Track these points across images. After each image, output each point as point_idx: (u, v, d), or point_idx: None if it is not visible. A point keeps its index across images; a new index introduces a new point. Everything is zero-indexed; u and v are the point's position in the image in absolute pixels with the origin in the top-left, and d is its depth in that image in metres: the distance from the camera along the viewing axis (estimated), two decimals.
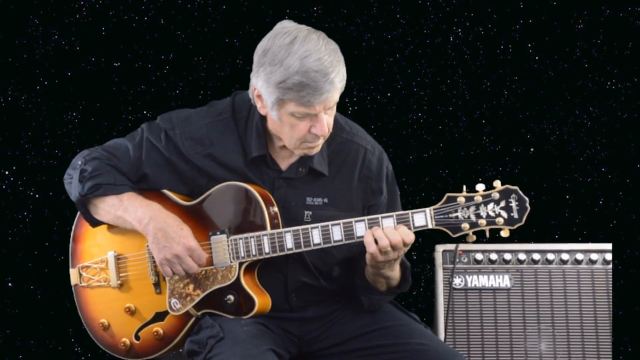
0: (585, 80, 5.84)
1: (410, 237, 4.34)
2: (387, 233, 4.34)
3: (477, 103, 5.91)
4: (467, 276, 5.47)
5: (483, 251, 5.45)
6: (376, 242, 4.37)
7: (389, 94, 5.98)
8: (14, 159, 6.01)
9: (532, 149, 5.90)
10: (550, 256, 5.43)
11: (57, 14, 5.86)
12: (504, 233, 4.28)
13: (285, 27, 4.43)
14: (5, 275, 6.03)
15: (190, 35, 5.92)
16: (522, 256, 5.45)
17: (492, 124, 5.91)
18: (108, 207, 4.63)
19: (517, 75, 5.87)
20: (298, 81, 4.32)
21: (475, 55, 5.89)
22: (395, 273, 4.56)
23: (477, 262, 5.45)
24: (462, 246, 5.39)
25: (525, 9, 5.83)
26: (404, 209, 4.55)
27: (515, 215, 4.29)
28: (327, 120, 4.41)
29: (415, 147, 6.01)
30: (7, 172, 6.02)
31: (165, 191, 4.68)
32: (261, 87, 4.42)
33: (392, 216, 4.40)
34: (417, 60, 5.93)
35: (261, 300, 4.56)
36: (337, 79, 4.34)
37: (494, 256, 5.45)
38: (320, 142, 4.47)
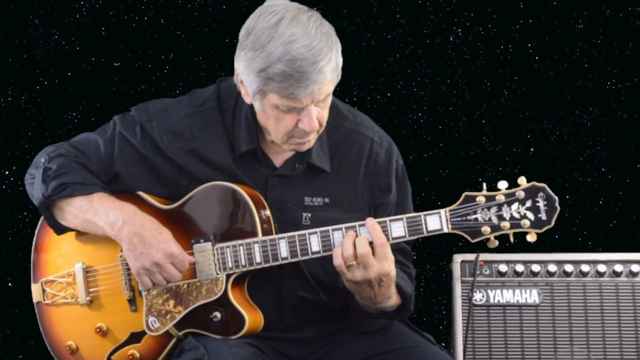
0: (585, 80, 5.03)
1: (365, 248, 3.24)
2: (356, 242, 3.23)
3: (477, 103, 5.09)
4: (489, 290, 4.18)
5: (507, 262, 4.17)
6: None
7: (389, 94, 5.12)
8: (14, 159, 5.16)
9: (532, 149, 5.07)
10: (585, 267, 4.13)
11: (57, 14, 5.05)
12: (531, 237, 3.23)
13: (273, 6, 3.26)
14: (5, 275, 5.16)
15: (190, 35, 5.08)
16: (552, 267, 4.14)
17: (492, 124, 5.08)
18: (76, 211, 3.42)
19: (517, 75, 5.07)
20: (280, 70, 3.19)
21: (475, 55, 5.09)
22: (383, 305, 3.37)
23: (501, 274, 4.17)
24: (484, 256, 4.16)
25: (525, 9, 5.04)
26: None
27: (543, 216, 3.22)
28: (318, 113, 3.26)
29: (415, 147, 5.13)
30: (7, 172, 5.15)
31: (141, 193, 3.50)
32: (242, 73, 3.27)
33: (401, 219, 3.28)
34: (417, 60, 5.11)
35: (252, 318, 3.41)
36: (328, 68, 3.18)
37: (520, 267, 4.16)
38: (312, 137, 3.33)
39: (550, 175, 5.05)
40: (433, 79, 5.12)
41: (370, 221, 3.24)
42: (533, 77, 5.06)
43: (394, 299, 3.37)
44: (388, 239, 3.25)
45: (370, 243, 3.23)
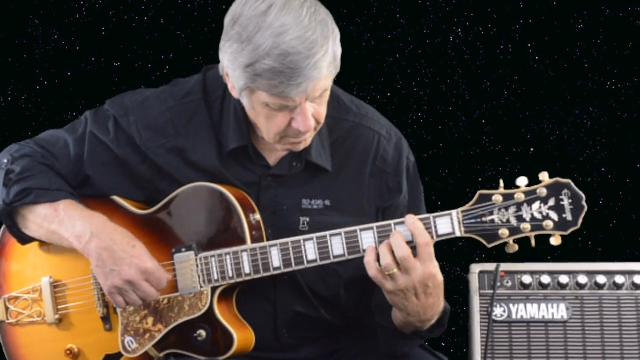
0: (585, 80, 4.53)
1: (404, 250, 2.48)
2: (393, 244, 2.47)
3: (477, 103, 4.60)
4: (511, 305, 3.30)
5: (532, 272, 3.31)
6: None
7: (389, 94, 4.61)
8: None
9: (532, 149, 4.56)
10: (620, 279, 3.27)
11: (57, 14, 4.58)
12: (555, 240, 2.57)
13: None
14: None
15: (190, 35, 4.59)
16: (582, 279, 3.29)
17: (492, 124, 4.58)
18: (40, 220, 2.68)
19: (517, 75, 4.58)
20: (269, 67, 2.47)
21: (475, 55, 4.60)
22: (432, 322, 2.61)
23: (525, 286, 3.31)
24: (505, 266, 3.31)
25: (525, 9, 4.57)
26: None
27: (568, 216, 2.55)
28: (314, 110, 2.53)
29: (415, 147, 4.43)
30: None
31: (115, 198, 2.75)
32: (227, 67, 2.54)
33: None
34: (417, 60, 4.62)
35: (242, 337, 2.67)
36: (324, 62, 2.47)
37: (546, 279, 3.30)
38: (309, 136, 2.60)
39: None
40: (433, 79, 4.61)
41: (411, 218, 2.53)
42: (533, 77, 4.56)
43: (438, 316, 2.64)
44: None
45: (409, 243, 2.53)
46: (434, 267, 2.52)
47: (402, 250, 2.48)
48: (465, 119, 4.58)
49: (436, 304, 2.57)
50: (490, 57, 4.57)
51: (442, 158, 4.61)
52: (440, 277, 2.55)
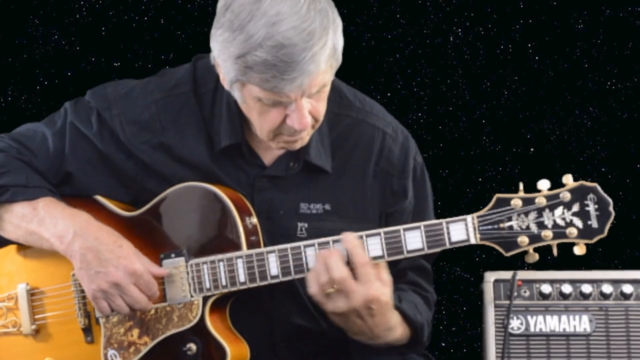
0: (585, 80, 4.31)
1: (340, 271, 2.16)
2: (329, 264, 2.18)
3: (477, 103, 4.38)
4: (529, 316, 2.87)
5: (551, 281, 2.87)
6: None
7: (389, 94, 4.37)
8: None
9: (532, 149, 4.34)
10: None
11: (57, 14, 4.38)
12: (579, 249, 2.26)
13: None
14: None
15: (190, 35, 4.37)
16: (607, 288, 2.87)
17: (492, 124, 4.36)
18: (17, 219, 2.34)
19: (517, 75, 4.36)
20: (261, 59, 2.15)
21: (475, 55, 4.38)
22: (385, 339, 2.29)
23: (544, 296, 2.88)
24: (522, 274, 2.89)
25: (525, 9, 4.36)
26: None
27: (594, 223, 2.23)
28: (312, 107, 2.19)
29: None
30: None
31: (99, 197, 2.40)
32: (217, 56, 2.22)
33: (419, 228, 2.25)
34: (417, 60, 4.40)
35: (235, 350, 2.33)
36: (322, 55, 2.13)
37: (567, 288, 2.88)
38: (305, 134, 2.26)
39: (550, 175, 4.13)
40: (433, 79, 4.39)
41: (348, 235, 2.21)
42: (533, 77, 4.35)
43: (399, 331, 2.29)
44: (402, 253, 2.20)
45: (348, 263, 2.21)
46: (377, 289, 2.19)
47: (337, 272, 2.16)
48: (465, 119, 4.36)
49: (382, 322, 2.25)
50: (490, 57, 4.37)
51: (442, 158, 4.40)
52: (384, 298, 2.22)
